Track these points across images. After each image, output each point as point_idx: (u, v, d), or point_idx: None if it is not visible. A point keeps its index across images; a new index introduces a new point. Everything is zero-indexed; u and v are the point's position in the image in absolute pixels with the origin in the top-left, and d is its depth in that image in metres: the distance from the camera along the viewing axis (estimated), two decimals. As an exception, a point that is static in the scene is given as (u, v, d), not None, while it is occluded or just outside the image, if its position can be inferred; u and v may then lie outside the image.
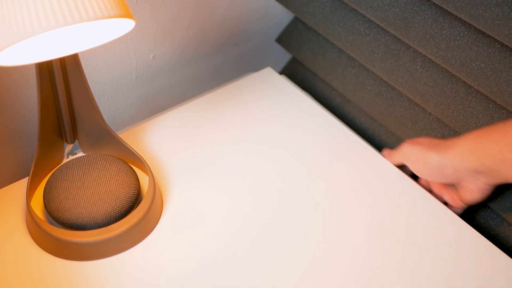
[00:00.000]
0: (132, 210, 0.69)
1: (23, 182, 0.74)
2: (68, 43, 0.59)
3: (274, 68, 0.98)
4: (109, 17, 0.50)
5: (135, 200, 0.69)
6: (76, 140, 0.75)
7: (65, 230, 0.66)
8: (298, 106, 0.86)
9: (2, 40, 0.48)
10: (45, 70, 0.65)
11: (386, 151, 0.79)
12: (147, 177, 0.73)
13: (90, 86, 0.69)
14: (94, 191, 0.68)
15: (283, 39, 0.98)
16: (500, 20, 0.63)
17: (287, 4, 0.92)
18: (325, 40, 0.91)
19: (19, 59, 0.55)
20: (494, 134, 0.63)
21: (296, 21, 0.96)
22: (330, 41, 0.90)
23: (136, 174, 0.72)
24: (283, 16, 1.02)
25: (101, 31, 0.59)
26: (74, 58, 0.65)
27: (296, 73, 0.98)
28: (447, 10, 0.71)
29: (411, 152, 0.71)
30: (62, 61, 0.66)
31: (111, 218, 0.67)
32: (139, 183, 0.72)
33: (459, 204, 0.72)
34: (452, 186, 0.72)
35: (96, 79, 0.84)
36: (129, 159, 0.75)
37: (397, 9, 0.76)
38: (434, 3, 0.73)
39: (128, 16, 0.53)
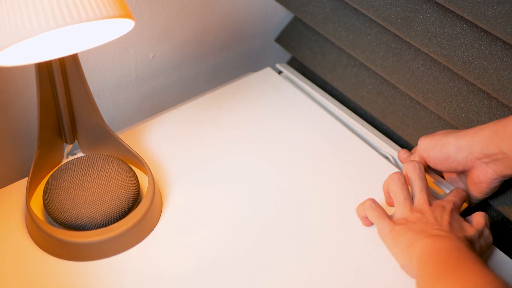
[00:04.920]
0: (131, 210, 0.69)
1: (23, 182, 0.74)
2: (67, 43, 0.59)
3: (274, 68, 0.97)
4: (109, 17, 0.50)
5: (135, 200, 0.69)
6: (75, 140, 0.75)
7: (65, 230, 0.66)
8: (298, 106, 0.86)
9: (2, 40, 0.48)
10: (45, 70, 0.65)
11: (403, 153, 0.78)
12: (147, 177, 0.73)
13: (89, 86, 0.69)
14: (94, 192, 0.68)
15: (283, 39, 0.98)
16: (502, 18, 0.63)
17: (287, 4, 0.92)
18: (325, 40, 0.91)
19: (19, 59, 0.55)
20: None
21: (296, 21, 0.96)
22: (330, 40, 0.90)
23: (135, 174, 0.72)
24: (283, 16, 1.01)
25: (101, 31, 0.59)
26: (74, 58, 0.65)
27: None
28: (448, 9, 0.71)
29: (428, 141, 0.71)
30: (62, 61, 0.65)
31: (110, 218, 0.67)
32: (139, 183, 0.71)
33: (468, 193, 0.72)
34: (462, 177, 0.72)
35: (96, 79, 0.84)
36: (129, 159, 0.75)
37: (399, 8, 0.76)
38: (435, 2, 0.72)
39: (128, 16, 0.53)
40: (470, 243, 0.63)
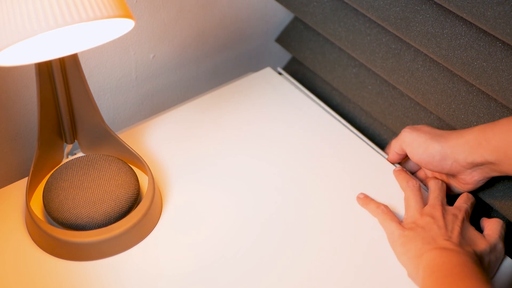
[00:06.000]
0: (131, 210, 0.69)
1: (23, 182, 0.74)
2: (67, 43, 0.59)
3: (274, 68, 0.97)
4: (109, 17, 0.50)
5: (135, 200, 0.69)
6: (75, 140, 0.75)
7: (65, 230, 0.66)
8: (298, 106, 0.86)
9: (2, 40, 0.48)
10: (45, 70, 0.65)
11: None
12: (147, 177, 0.73)
13: (89, 86, 0.69)
14: (94, 192, 0.68)
15: (283, 39, 0.98)
16: (502, 19, 0.63)
17: (287, 4, 0.92)
18: (325, 40, 0.91)
19: (19, 59, 0.55)
20: (499, 128, 0.63)
21: (296, 21, 0.96)
22: (330, 41, 0.90)
23: (135, 174, 0.72)
24: (283, 16, 1.01)
25: (101, 31, 0.59)
26: (74, 58, 0.65)
27: (296, 73, 0.98)
28: (448, 9, 0.71)
29: (413, 138, 0.71)
30: (62, 61, 0.65)
31: (110, 218, 0.67)
32: (139, 183, 0.71)
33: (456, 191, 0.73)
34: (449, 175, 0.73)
35: (96, 79, 0.84)
36: (129, 159, 0.75)
37: (398, 9, 0.76)
38: (435, 2, 0.73)
39: (128, 16, 0.53)
40: (479, 258, 0.62)
